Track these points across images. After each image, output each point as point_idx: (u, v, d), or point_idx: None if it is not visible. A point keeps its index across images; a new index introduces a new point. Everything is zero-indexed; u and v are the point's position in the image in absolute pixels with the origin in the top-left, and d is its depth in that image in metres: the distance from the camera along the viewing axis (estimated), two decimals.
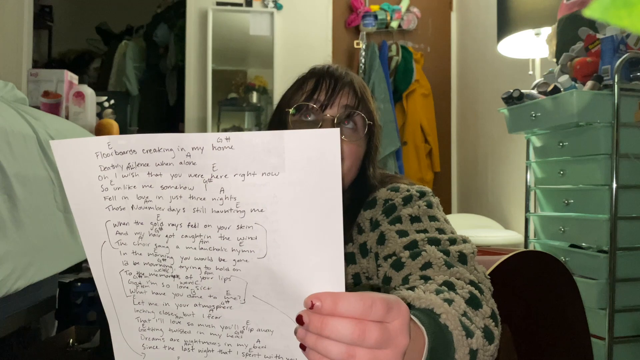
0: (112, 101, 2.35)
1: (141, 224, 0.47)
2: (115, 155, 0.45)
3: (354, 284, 0.81)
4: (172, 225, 0.46)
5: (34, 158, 1.11)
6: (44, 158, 1.15)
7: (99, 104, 2.20)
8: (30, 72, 1.98)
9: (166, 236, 0.47)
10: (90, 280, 2.16)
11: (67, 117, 1.93)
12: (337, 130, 0.41)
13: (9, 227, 0.99)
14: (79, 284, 2.12)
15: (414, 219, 0.75)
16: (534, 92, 1.93)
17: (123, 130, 2.20)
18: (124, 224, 0.48)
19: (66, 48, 4.73)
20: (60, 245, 1.20)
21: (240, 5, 3.39)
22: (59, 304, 1.85)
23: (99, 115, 2.20)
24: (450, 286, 0.61)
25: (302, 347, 0.42)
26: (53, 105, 1.91)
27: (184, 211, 0.45)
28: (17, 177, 1.02)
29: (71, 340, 1.68)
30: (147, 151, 0.44)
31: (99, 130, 1.96)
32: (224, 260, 0.46)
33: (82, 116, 1.95)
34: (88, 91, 1.98)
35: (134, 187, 0.46)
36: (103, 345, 1.62)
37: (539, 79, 2.03)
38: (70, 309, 2.08)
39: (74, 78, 2.07)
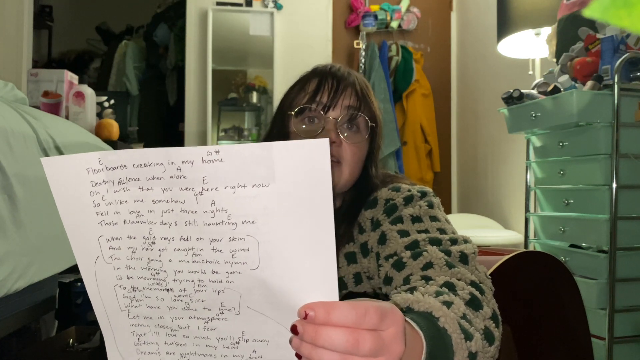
0: (112, 101, 2.35)
1: (134, 238, 0.47)
2: (106, 171, 0.46)
3: (355, 283, 0.81)
4: (165, 239, 0.46)
5: (34, 158, 1.11)
6: None
7: (99, 104, 2.20)
8: (30, 72, 1.98)
9: (159, 250, 0.47)
10: None
11: (67, 117, 1.93)
12: (327, 140, 0.41)
13: (9, 227, 0.99)
14: (79, 284, 2.12)
15: (415, 219, 0.75)
16: (534, 92, 1.93)
17: (123, 130, 2.20)
18: (116, 238, 0.48)
19: (66, 48, 4.73)
20: (60, 245, 1.20)
21: (240, 5, 3.39)
22: (59, 304, 1.85)
23: (99, 115, 2.20)
24: (450, 287, 0.61)
25: (298, 356, 0.43)
26: (53, 105, 1.91)
27: (175, 225, 0.46)
28: (17, 177, 1.02)
29: (71, 340, 1.68)
30: (137, 166, 0.45)
31: (99, 130, 1.96)
32: (217, 272, 0.46)
33: (82, 116, 1.95)
34: (88, 91, 1.98)
35: (126, 201, 0.46)
36: (103, 346, 1.62)
37: (539, 79, 2.03)
38: (70, 309, 2.08)
39: (74, 78, 2.07)
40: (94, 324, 2.06)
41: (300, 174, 0.42)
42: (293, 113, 0.82)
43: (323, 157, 0.41)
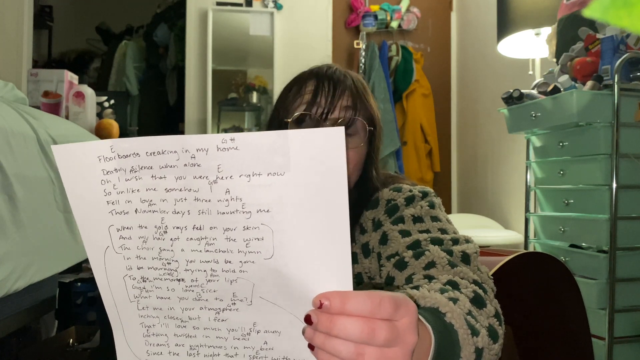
0: (112, 101, 2.35)
1: (145, 227, 0.47)
2: (118, 159, 0.45)
3: (357, 283, 0.82)
4: (177, 228, 0.46)
5: (34, 158, 1.11)
6: (44, 158, 1.15)
7: (99, 104, 2.20)
8: (30, 72, 1.98)
9: (171, 239, 0.46)
10: (90, 280, 2.16)
11: (67, 117, 1.93)
12: (342, 129, 0.41)
13: (9, 227, 0.99)
14: (79, 284, 2.12)
15: (417, 219, 0.75)
16: (534, 92, 1.93)
17: (123, 130, 2.20)
18: (127, 228, 0.47)
19: (66, 48, 4.73)
20: (60, 245, 1.20)
21: (240, 5, 3.39)
22: (59, 304, 1.85)
23: (99, 115, 2.20)
24: (454, 285, 0.61)
25: (311, 347, 0.42)
26: (53, 105, 1.91)
27: (189, 213, 0.45)
28: (17, 177, 1.02)
29: (71, 340, 1.68)
30: (150, 154, 0.44)
31: (99, 130, 1.96)
32: (230, 262, 0.45)
33: (82, 116, 1.95)
34: (88, 91, 1.98)
35: (138, 190, 0.46)
36: (103, 345, 1.62)
37: (539, 79, 2.03)
38: (70, 309, 2.08)
39: (74, 78, 2.07)
40: (94, 324, 2.06)
41: (315, 162, 0.42)
42: (290, 120, 0.82)
43: (338, 146, 0.41)
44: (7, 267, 0.98)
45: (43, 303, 1.33)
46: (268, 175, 0.43)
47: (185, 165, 0.43)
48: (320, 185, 0.42)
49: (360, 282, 0.81)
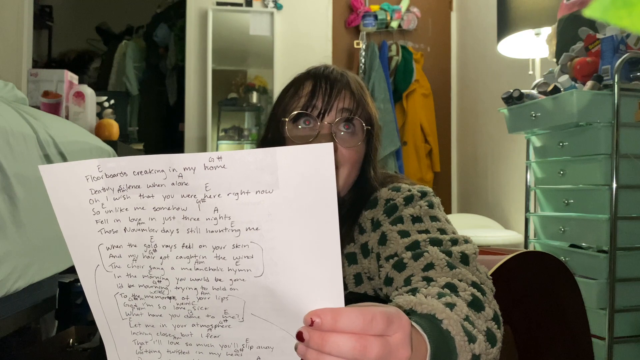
0: (112, 101, 2.35)
1: (135, 246, 0.47)
2: (106, 178, 0.45)
3: (356, 284, 0.81)
4: (166, 246, 0.46)
5: (34, 158, 1.11)
6: (44, 158, 1.15)
7: (99, 104, 2.20)
8: (30, 72, 1.98)
9: (160, 258, 0.46)
10: None
11: (67, 117, 1.93)
12: (331, 145, 0.41)
13: (9, 227, 0.99)
14: (79, 284, 2.12)
15: (416, 219, 0.75)
16: (534, 92, 1.93)
17: (123, 130, 2.20)
18: (117, 246, 0.47)
19: (66, 48, 4.73)
20: (60, 245, 1.20)
21: (240, 5, 3.39)
22: (59, 304, 1.84)
23: (99, 115, 2.19)
24: (452, 288, 0.61)
25: None
26: (53, 105, 1.91)
27: (177, 232, 0.45)
28: (17, 177, 1.02)
29: (71, 340, 1.68)
30: (138, 173, 0.44)
31: (99, 130, 1.96)
32: (220, 280, 0.45)
33: (82, 116, 1.95)
34: (88, 91, 1.98)
35: (126, 209, 0.46)
36: (103, 346, 1.62)
37: (539, 79, 2.03)
38: (70, 309, 2.08)
39: (74, 78, 2.06)
40: (94, 324, 2.06)
41: (304, 179, 0.41)
42: (287, 120, 0.82)
43: (327, 162, 0.41)
44: (7, 267, 0.98)
45: (43, 303, 1.33)
46: (257, 193, 0.42)
47: (173, 184, 0.43)
48: (309, 202, 0.42)
49: (359, 282, 0.81)
